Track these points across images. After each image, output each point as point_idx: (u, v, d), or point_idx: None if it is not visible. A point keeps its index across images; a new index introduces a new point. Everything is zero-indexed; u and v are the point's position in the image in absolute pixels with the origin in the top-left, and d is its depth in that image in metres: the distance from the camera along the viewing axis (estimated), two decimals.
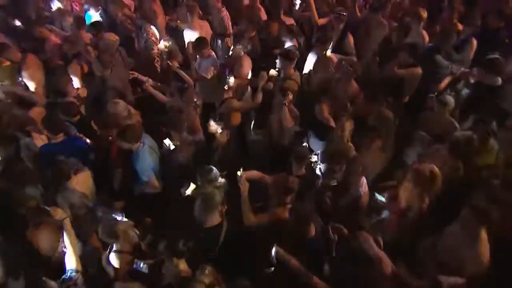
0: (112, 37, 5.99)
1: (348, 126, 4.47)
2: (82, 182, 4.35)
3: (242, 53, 5.76)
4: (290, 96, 4.92)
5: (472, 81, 5.37)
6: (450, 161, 4.08)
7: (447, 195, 3.78)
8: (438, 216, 3.71)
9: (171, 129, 4.71)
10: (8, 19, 6.77)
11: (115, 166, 4.70)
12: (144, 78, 5.53)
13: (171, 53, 5.89)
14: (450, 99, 4.80)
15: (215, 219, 3.61)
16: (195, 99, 5.14)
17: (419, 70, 5.51)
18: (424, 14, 6.21)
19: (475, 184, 3.85)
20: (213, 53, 6.08)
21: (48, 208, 3.78)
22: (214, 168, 4.04)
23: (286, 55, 5.40)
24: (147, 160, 4.48)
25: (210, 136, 4.84)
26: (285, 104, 4.89)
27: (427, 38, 6.18)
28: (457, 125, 4.75)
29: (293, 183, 3.71)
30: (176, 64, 5.63)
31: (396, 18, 6.98)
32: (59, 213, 3.84)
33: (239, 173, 3.95)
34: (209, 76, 5.80)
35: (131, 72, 5.53)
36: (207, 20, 6.96)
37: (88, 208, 4.31)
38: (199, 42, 5.92)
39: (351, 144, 4.52)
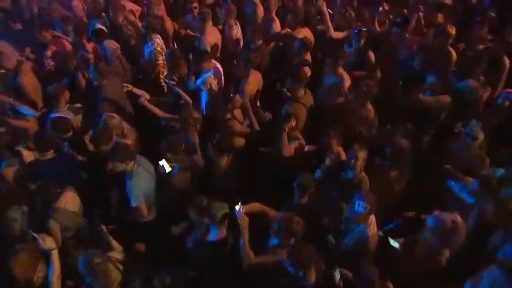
0: (112, 44, 5.83)
1: (361, 156, 4.19)
2: (70, 201, 4.26)
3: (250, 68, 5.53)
4: (293, 122, 4.68)
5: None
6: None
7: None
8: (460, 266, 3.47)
9: (166, 151, 4.51)
10: (10, 22, 6.72)
11: (109, 186, 4.56)
12: (140, 92, 5.34)
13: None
14: (480, 133, 4.44)
15: (221, 232, 3.68)
16: (194, 115, 4.92)
17: (448, 99, 5.12)
18: (452, 31, 5.84)
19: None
20: (217, 64, 5.86)
21: (37, 236, 3.66)
22: (203, 203, 3.80)
23: (295, 76, 5.14)
24: (139, 184, 4.27)
25: (210, 159, 4.65)
26: (285, 130, 4.65)
27: (454, 57, 5.83)
28: (487, 160, 4.37)
29: (298, 225, 3.47)
30: (172, 82, 5.41)
31: (420, 32, 6.64)
32: (48, 242, 3.73)
33: (237, 206, 3.71)
34: (206, 88, 5.59)
35: (125, 85, 5.35)
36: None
37: (77, 230, 4.29)
38: (201, 55, 5.72)
39: (364, 174, 4.24)
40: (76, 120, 5.29)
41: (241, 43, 6.88)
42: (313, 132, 5.27)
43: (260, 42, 6.14)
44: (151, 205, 4.48)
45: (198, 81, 5.57)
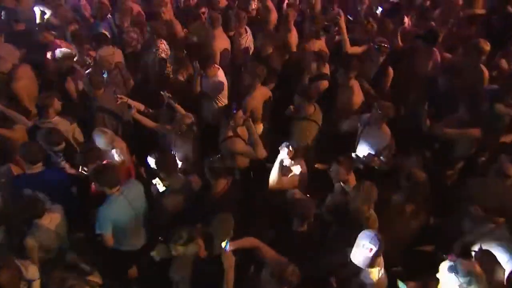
0: (106, 53, 5.65)
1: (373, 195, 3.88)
2: (55, 221, 4.10)
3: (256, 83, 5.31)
4: (291, 151, 4.39)
5: None
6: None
7: None
8: None
9: (159, 170, 4.31)
10: (12, 22, 6.65)
11: (92, 206, 4.34)
12: (133, 103, 5.20)
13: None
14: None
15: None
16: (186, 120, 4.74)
17: (478, 133, 4.69)
18: (487, 47, 5.43)
19: None
20: (221, 71, 5.66)
21: (19, 263, 3.55)
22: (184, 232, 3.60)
23: (304, 92, 4.90)
24: (110, 213, 4.04)
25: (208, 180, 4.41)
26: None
27: (487, 77, 5.44)
28: None
29: (292, 275, 3.18)
30: (167, 94, 5.21)
31: (449, 48, 6.26)
32: (31, 272, 3.61)
33: (223, 243, 3.47)
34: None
35: (119, 96, 5.17)
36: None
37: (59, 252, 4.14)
38: (206, 59, 5.55)
39: (373, 212, 3.92)
40: (72, 128, 5.18)
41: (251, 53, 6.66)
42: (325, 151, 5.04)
43: (271, 50, 5.91)
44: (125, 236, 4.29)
45: None
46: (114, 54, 5.72)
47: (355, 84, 5.34)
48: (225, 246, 3.44)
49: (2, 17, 6.77)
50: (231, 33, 6.70)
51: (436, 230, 4.34)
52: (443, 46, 6.20)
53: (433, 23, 6.65)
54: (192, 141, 4.99)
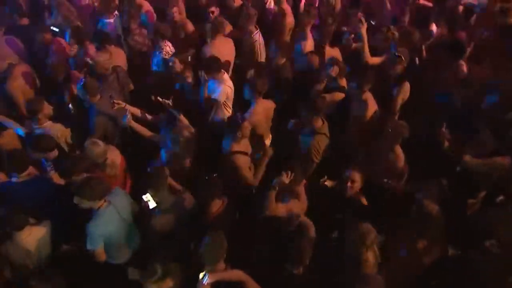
0: (103, 57, 5.50)
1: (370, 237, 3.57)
2: (34, 237, 3.96)
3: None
4: (288, 176, 4.10)
5: None
6: None
7: None
8: None
9: (147, 186, 4.12)
10: (16, 17, 6.58)
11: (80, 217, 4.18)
12: (130, 109, 5.07)
13: None
14: None
15: None
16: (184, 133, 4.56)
17: (506, 162, 4.30)
18: None
19: None
20: (226, 76, 5.47)
21: None
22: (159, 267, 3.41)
23: (311, 105, 4.65)
24: (101, 227, 3.91)
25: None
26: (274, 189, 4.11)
27: None
28: None
29: None
30: (168, 101, 5.05)
31: (477, 58, 5.85)
32: None
33: (201, 274, 3.26)
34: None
35: (116, 101, 5.02)
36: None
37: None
38: (212, 64, 5.33)
39: (371, 255, 3.60)
40: (67, 133, 5.07)
41: (263, 52, 6.42)
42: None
43: (283, 61, 5.67)
44: (118, 247, 4.18)
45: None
46: (111, 59, 5.56)
47: (369, 97, 5.09)
48: (202, 278, 3.22)
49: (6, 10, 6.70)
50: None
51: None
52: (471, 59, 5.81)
53: (463, 33, 6.26)
54: (190, 156, 4.80)
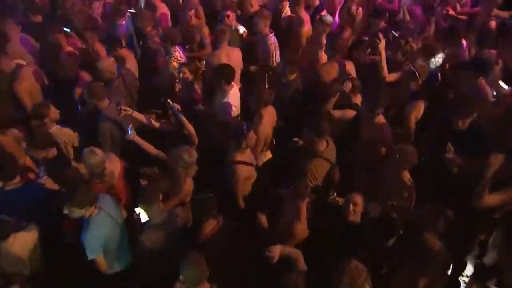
0: (107, 63, 5.48)
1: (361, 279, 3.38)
2: (20, 243, 3.97)
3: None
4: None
5: None
6: None
7: None
8: None
9: (139, 201, 4.09)
10: (29, 14, 6.69)
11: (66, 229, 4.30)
12: (137, 116, 5.05)
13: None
14: None
15: None
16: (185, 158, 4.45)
17: None
18: None
19: None
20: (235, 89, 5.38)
21: None
22: None
23: (314, 127, 4.50)
24: (97, 233, 3.92)
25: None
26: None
27: None
28: None
29: None
30: (176, 106, 4.99)
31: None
32: None
33: None
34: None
35: (123, 108, 4.97)
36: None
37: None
38: (225, 73, 5.25)
39: None
40: (73, 137, 5.11)
41: (277, 55, 6.33)
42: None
43: (294, 76, 5.52)
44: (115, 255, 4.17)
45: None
46: (115, 64, 5.55)
47: (381, 121, 4.88)
48: None
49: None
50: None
51: None
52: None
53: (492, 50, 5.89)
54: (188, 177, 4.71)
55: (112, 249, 4.09)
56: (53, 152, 4.68)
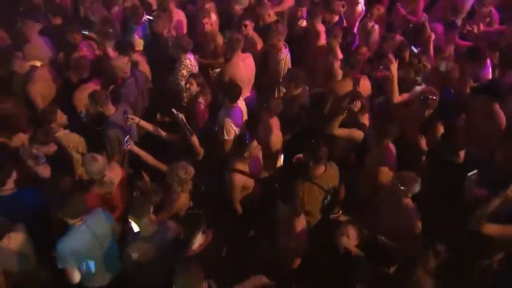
0: (121, 61, 5.55)
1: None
2: (16, 242, 4.11)
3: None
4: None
5: None
6: None
7: None
8: None
9: (129, 213, 4.12)
10: (48, 15, 6.85)
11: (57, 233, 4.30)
12: (144, 125, 5.13)
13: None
14: None
15: None
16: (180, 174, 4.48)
17: None
18: None
19: None
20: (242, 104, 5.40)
21: None
22: None
23: (313, 152, 4.41)
24: (71, 244, 3.95)
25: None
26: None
27: None
28: None
29: None
30: (181, 115, 4.97)
31: None
32: None
33: None
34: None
35: (130, 116, 5.05)
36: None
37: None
38: (233, 91, 5.31)
39: None
40: (79, 143, 5.20)
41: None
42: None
43: (299, 90, 5.46)
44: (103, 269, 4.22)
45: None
46: (128, 63, 5.61)
47: (389, 148, 4.77)
48: None
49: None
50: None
51: None
52: None
53: None
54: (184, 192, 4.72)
55: (87, 262, 4.12)
56: (53, 147, 4.79)
